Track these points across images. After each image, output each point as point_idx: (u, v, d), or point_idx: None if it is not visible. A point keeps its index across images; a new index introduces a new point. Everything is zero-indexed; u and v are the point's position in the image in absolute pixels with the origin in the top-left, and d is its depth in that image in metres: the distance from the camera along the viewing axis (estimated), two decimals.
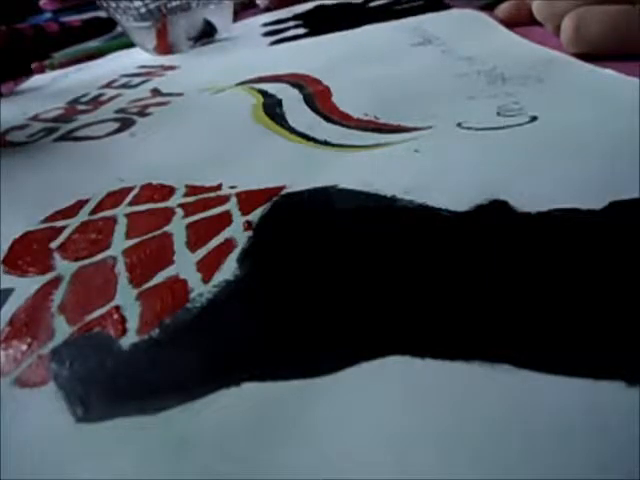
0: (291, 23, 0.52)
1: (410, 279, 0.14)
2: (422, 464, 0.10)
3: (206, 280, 0.16)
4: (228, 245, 0.17)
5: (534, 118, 0.20)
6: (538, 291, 0.12)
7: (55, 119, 0.36)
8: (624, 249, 0.13)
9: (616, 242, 0.13)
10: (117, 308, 0.16)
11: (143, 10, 0.48)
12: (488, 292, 0.13)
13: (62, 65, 0.54)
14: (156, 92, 0.37)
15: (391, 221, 0.16)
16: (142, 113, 0.33)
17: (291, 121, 0.25)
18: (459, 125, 0.21)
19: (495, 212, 0.15)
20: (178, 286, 0.16)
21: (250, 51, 0.45)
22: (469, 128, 0.20)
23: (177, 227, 0.19)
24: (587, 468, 0.09)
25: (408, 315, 0.13)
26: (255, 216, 0.18)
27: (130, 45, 0.54)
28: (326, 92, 0.28)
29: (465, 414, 0.10)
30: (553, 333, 0.11)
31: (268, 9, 0.64)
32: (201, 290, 0.15)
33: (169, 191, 0.21)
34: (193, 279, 0.16)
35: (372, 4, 0.51)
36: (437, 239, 0.15)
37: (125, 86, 0.40)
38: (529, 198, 0.15)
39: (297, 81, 0.31)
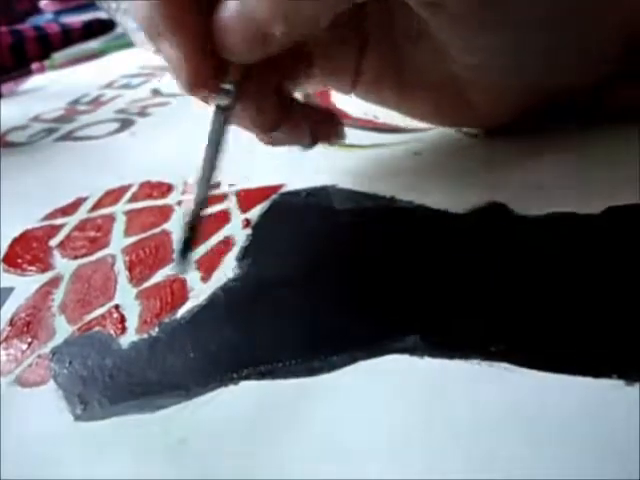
0: None
1: (409, 279, 0.14)
2: (420, 462, 0.10)
3: (205, 279, 0.16)
4: (227, 243, 0.17)
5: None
6: (537, 291, 0.12)
7: (56, 119, 0.36)
8: (622, 252, 0.13)
9: (614, 245, 0.13)
10: (117, 307, 0.16)
11: None
12: (487, 292, 0.13)
13: (62, 65, 0.54)
14: (156, 92, 0.37)
15: (390, 221, 0.16)
16: (142, 113, 0.33)
17: None
18: (458, 128, 0.21)
19: (494, 214, 0.15)
20: (177, 285, 0.16)
21: None
22: (468, 132, 0.20)
23: (176, 225, 0.19)
24: (586, 466, 0.09)
25: (407, 314, 0.13)
26: (254, 214, 0.18)
27: (130, 45, 0.54)
28: (325, 91, 0.28)
29: (463, 412, 0.10)
30: (552, 332, 0.11)
31: None
32: (200, 289, 0.15)
33: (167, 188, 0.22)
34: (192, 278, 0.16)
35: None
36: (436, 240, 0.15)
37: (125, 87, 0.41)
38: (528, 201, 0.15)
39: None
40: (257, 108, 0.16)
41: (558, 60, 0.16)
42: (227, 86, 0.14)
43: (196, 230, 0.14)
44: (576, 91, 0.17)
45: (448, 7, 0.14)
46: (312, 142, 0.18)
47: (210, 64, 0.14)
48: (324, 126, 0.18)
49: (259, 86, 0.15)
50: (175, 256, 0.14)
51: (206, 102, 0.15)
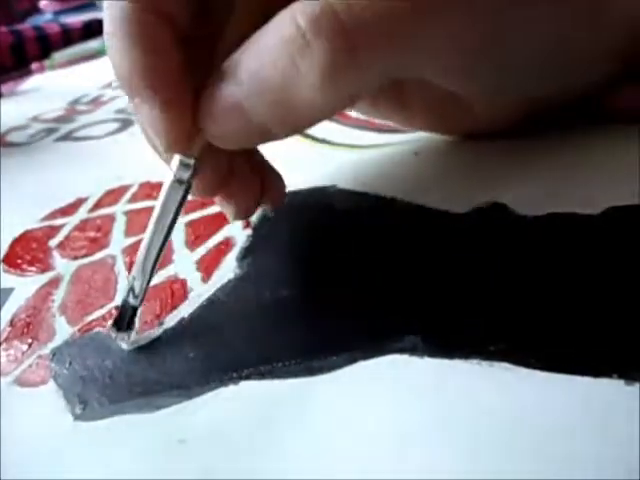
0: None
1: (409, 279, 0.14)
2: (420, 462, 0.10)
3: (205, 279, 0.16)
4: (227, 244, 0.17)
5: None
6: (537, 291, 0.12)
7: (56, 119, 0.36)
8: (622, 252, 0.13)
9: (614, 245, 0.13)
10: (117, 308, 0.16)
11: None
12: (487, 292, 0.13)
13: (62, 65, 0.55)
14: None
15: (390, 222, 0.16)
16: None
17: None
18: None
19: (494, 214, 0.15)
20: (177, 285, 0.16)
21: None
22: None
23: (176, 225, 0.19)
24: (586, 466, 0.09)
25: (407, 314, 0.13)
26: (254, 214, 0.18)
27: None
28: None
29: (463, 412, 0.10)
30: (552, 332, 0.11)
31: None
32: (200, 290, 0.15)
33: None
34: (192, 278, 0.16)
35: None
36: (436, 240, 0.15)
37: None
38: (528, 201, 0.15)
39: None
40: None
41: (559, 73, 0.16)
42: (189, 160, 0.13)
43: (136, 308, 0.13)
44: (578, 97, 0.17)
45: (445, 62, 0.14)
46: (250, 210, 0.16)
47: (188, 131, 0.13)
48: (269, 189, 0.16)
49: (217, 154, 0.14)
50: (112, 326, 0.14)
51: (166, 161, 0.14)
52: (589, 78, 0.16)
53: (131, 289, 0.13)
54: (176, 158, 0.13)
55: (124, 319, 0.14)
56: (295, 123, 0.13)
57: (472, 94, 0.16)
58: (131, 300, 0.13)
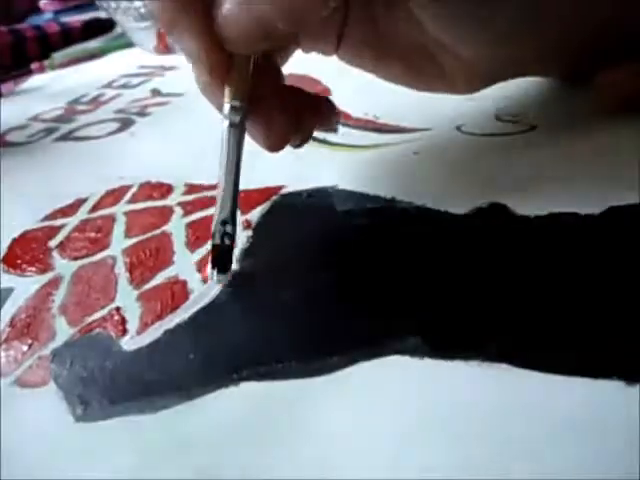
0: None
1: (409, 279, 0.14)
2: (420, 462, 0.10)
3: (206, 280, 0.16)
4: None
5: (533, 127, 0.20)
6: (538, 292, 0.12)
7: (55, 119, 0.36)
8: (622, 252, 0.13)
9: (614, 245, 0.13)
10: (118, 309, 0.16)
11: (143, 10, 0.48)
12: (487, 293, 0.13)
13: (62, 65, 0.54)
14: (156, 92, 0.37)
15: (391, 222, 0.16)
16: (142, 113, 0.33)
17: None
18: (458, 129, 0.21)
19: (494, 214, 0.15)
20: (178, 287, 0.16)
21: None
22: (468, 133, 0.20)
23: (176, 226, 0.19)
24: (586, 467, 0.09)
25: (407, 315, 0.13)
26: (254, 215, 0.18)
27: (130, 45, 0.54)
28: (326, 92, 0.28)
29: (463, 413, 0.10)
30: (553, 333, 0.11)
31: None
32: (201, 290, 0.15)
33: (168, 189, 0.22)
34: (193, 279, 0.16)
35: None
36: (436, 240, 0.15)
37: (125, 86, 0.40)
38: (528, 201, 0.15)
39: (296, 82, 0.31)
40: (266, 123, 0.16)
41: (530, 32, 0.16)
42: (236, 103, 0.15)
43: (231, 248, 0.15)
44: (551, 64, 0.17)
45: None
46: (286, 137, 0.17)
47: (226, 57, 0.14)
48: (321, 116, 0.18)
49: (267, 100, 0.16)
50: (212, 270, 0.15)
51: (219, 109, 0.15)
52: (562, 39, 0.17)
53: (225, 233, 0.15)
54: (226, 105, 0.15)
55: (223, 260, 0.15)
56: (298, 14, 0.13)
57: (445, 39, 0.17)
58: (226, 241, 0.15)
